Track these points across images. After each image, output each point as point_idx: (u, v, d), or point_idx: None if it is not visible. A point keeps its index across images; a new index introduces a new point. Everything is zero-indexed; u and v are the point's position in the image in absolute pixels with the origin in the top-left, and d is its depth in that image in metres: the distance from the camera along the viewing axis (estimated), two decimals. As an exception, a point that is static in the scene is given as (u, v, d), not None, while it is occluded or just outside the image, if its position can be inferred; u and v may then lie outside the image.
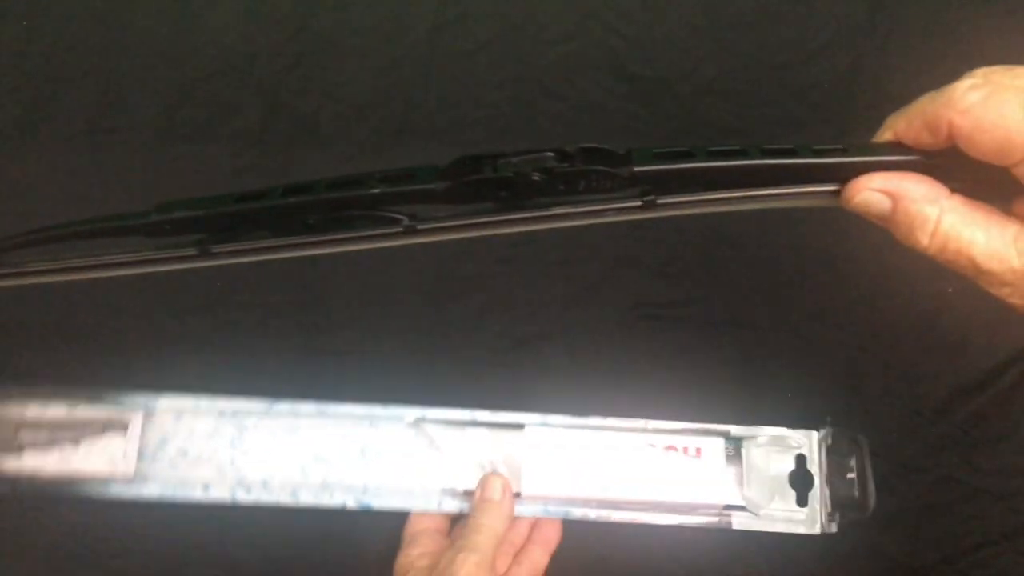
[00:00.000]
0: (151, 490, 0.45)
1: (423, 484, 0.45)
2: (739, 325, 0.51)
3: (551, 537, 0.44)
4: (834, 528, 0.43)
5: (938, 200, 0.30)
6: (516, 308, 0.51)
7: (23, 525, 0.48)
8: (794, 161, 0.31)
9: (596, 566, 0.48)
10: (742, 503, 0.44)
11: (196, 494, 0.45)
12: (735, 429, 0.45)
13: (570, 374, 0.50)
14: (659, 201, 0.31)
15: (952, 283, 0.51)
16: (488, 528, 0.41)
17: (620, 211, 0.32)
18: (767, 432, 0.44)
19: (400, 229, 0.32)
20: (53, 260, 0.34)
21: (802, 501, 0.44)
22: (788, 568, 0.48)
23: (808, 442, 0.44)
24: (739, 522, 0.44)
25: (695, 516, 0.44)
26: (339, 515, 0.45)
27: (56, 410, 0.45)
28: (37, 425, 0.45)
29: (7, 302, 0.49)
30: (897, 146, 0.31)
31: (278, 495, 0.45)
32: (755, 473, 0.44)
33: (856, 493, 0.43)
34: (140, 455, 0.45)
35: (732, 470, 0.45)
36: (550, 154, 0.31)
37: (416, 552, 0.42)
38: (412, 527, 0.43)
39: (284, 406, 0.45)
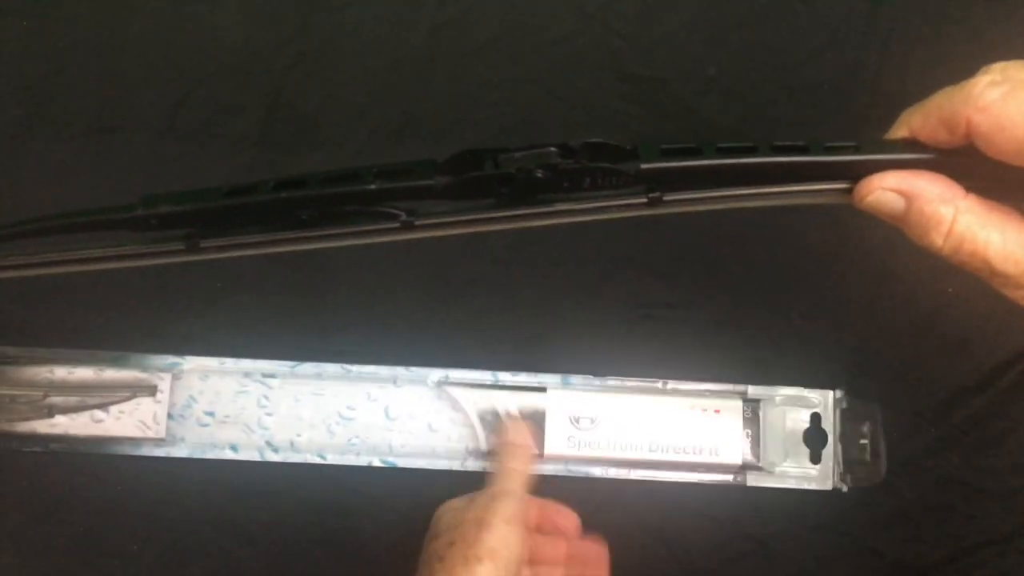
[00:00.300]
0: (181, 451, 0.47)
1: (447, 444, 0.47)
2: (739, 325, 0.51)
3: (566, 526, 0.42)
4: (845, 488, 0.45)
5: (953, 200, 0.30)
6: (516, 309, 0.51)
7: (53, 484, 0.49)
8: (805, 159, 0.30)
9: (614, 522, 0.48)
10: (758, 461, 0.46)
11: (225, 454, 0.47)
12: (752, 390, 0.47)
13: (570, 374, 0.50)
14: (665, 198, 0.31)
15: (952, 283, 0.51)
16: (518, 472, 0.40)
17: (625, 207, 0.31)
18: (784, 392, 0.47)
19: (397, 224, 0.31)
20: (33, 254, 0.33)
21: (815, 458, 0.47)
22: (802, 520, 0.49)
23: (824, 401, 0.47)
24: (754, 479, 0.46)
25: (712, 474, 0.46)
26: (365, 473, 0.46)
27: (83, 372, 0.47)
28: (65, 387, 0.47)
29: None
30: (912, 143, 0.30)
31: (305, 455, 0.47)
32: (771, 432, 0.47)
33: (868, 458, 0.45)
34: (168, 416, 0.47)
35: (749, 430, 0.47)
36: (554, 150, 0.30)
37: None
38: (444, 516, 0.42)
39: (308, 367, 0.48)
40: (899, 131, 0.31)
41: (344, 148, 0.52)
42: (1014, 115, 0.27)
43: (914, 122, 0.30)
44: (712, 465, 0.47)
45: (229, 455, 0.48)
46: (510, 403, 0.48)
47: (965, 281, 0.50)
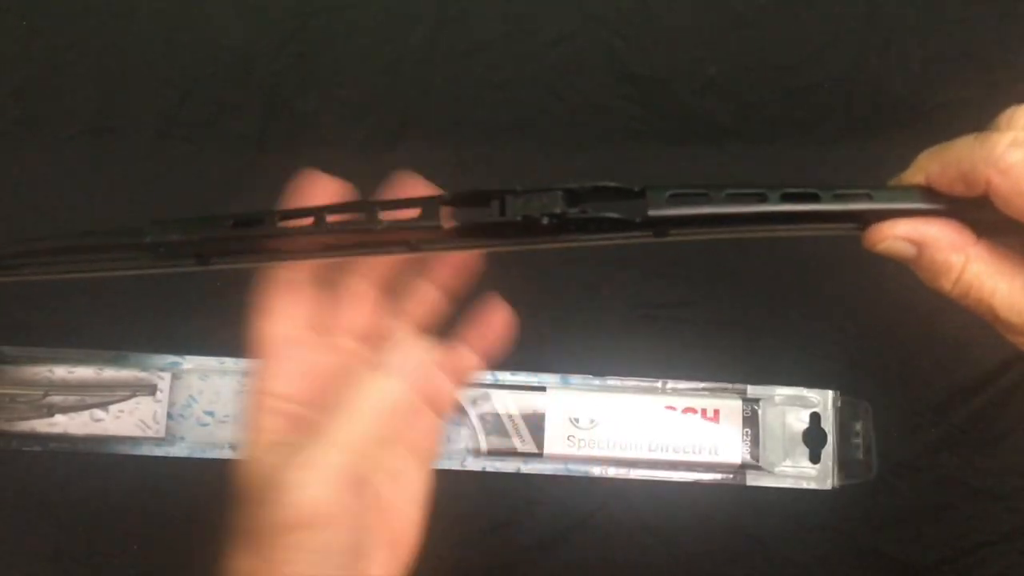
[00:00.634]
0: (180, 450, 0.47)
1: (447, 444, 0.47)
2: (739, 325, 0.51)
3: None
4: (838, 484, 0.47)
5: (964, 248, 0.30)
6: (516, 309, 0.51)
7: (52, 483, 0.49)
8: (816, 208, 0.31)
9: (614, 522, 0.49)
10: (758, 461, 0.47)
11: (225, 454, 0.47)
12: (752, 389, 0.47)
13: (570, 374, 0.50)
14: (671, 233, 0.31)
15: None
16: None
17: (629, 238, 0.32)
18: (783, 392, 0.47)
19: (404, 248, 0.32)
20: (46, 265, 0.34)
21: (815, 458, 0.47)
22: (802, 520, 0.49)
23: (823, 401, 0.47)
24: (754, 479, 0.47)
25: (711, 474, 0.47)
26: None
27: (83, 372, 0.47)
28: (65, 387, 0.47)
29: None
30: (926, 192, 0.30)
31: None
32: (770, 432, 0.47)
33: (861, 456, 0.46)
34: (168, 415, 0.47)
35: (748, 429, 0.47)
36: (560, 193, 0.30)
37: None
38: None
39: None
40: (916, 176, 0.31)
41: (344, 148, 0.52)
42: None
43: (931, 170, 0.30)
44: (712, 465, 0.47)
45: (229, 455, 0.48)
46: (511, 405, 0.48)
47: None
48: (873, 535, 0.49)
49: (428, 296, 0.36)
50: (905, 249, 0.31)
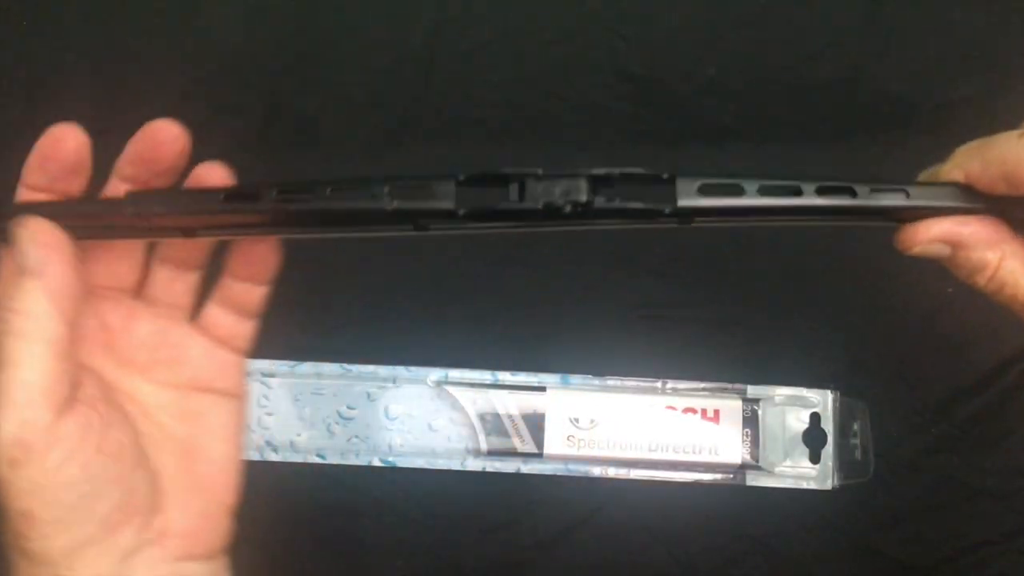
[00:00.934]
0: None
1: (447, 444, 0.47)
2: (739, 325, 0.51)
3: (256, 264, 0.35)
4: (837, 484, 0.47)
5: (1000, 244, 0.30)
6: (516, 309, 0.51)
7: None
8: (851, 203, 0.30)
9: (614, 522, 0.49)
10: (758, 461, 0.47)
11: None
12: (752, 389, 0.47)
13: (570, 374, 0.50)
14: (696, 221, 0.30)
15: (952, 283, 0.51)
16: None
17: (653, 224, 0.30)
18: (783, 391, 0.47)
19: (410, 228, 0.30)
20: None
21: (815, 458, 0.47)
22: (802, 520, 0.49)
23: (823, 401, 0.47)
24: (754, 479, 0.47)
25: (711, 474, 0.47)
26: (364, 473, 0.47)
27: None
28: None
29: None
30: (964, 190, 0.30)
31: (305, 454, 0.47)
32: (770, 432, 0.47)
33: (858, 456, 0.46)
34: None
35: (748, 429, 0.47)
36: (584, 180, 0.29)
37: None
38: None
39: (307, 367, 0.48)
40: (954, 172, 0.30)
41: (344, 148, 0.52)
42: None
43: (971, 167, 0.30)
44: (712, 465, 0.47)
45: None
46: (510, 405, 0.48)
47: (969, 284, 0.51)
48: (873, 535, 0.49)
49: (225, 317, 0.36)
50: (940, 250, 0.31)
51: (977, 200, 0.30)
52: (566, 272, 0.51)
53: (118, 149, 0.53)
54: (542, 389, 0.48)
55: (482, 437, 0.47)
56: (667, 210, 0.29)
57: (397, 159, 0.52)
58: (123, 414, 0.32)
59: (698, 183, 0.29)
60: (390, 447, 0.48)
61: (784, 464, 0.48)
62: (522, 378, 0.48)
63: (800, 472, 0.48)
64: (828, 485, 0.47)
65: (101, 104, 0.52)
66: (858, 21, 0.52)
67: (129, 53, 0.52)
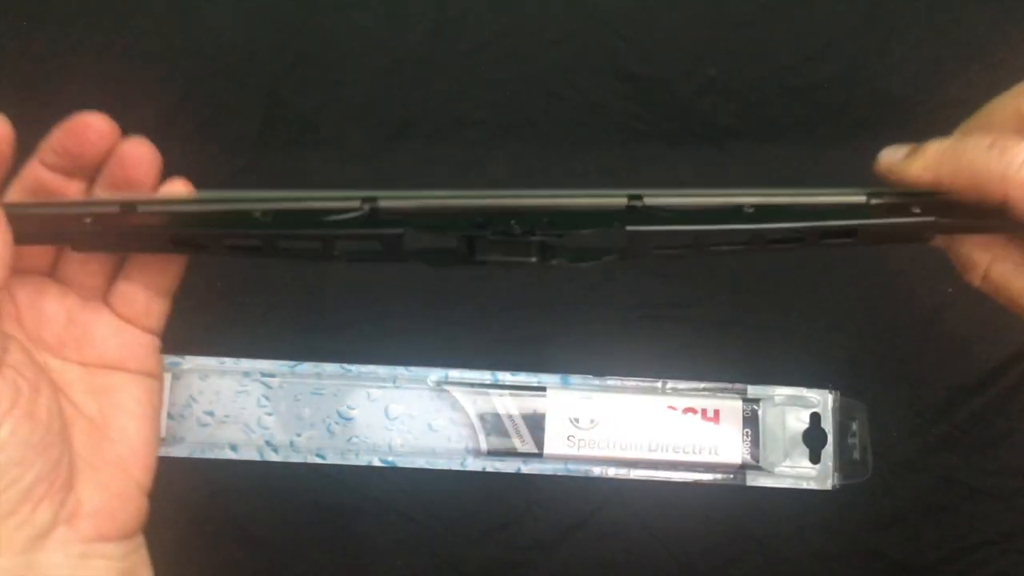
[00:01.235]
0: (180, 450, 0.47)
1: (447, 444, 0.47)
2: (739, 325, 0.51)
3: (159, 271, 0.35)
4: (837, 485, 0.47)
5: (991, 247, 0.30)
6: (517, 309, 0.51)
7: None
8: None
9: (614, 522, 0.49)
10: (758, 461, 0.47)
11: (225, 454, 0.47)
12: (752, 389, 0.47)
13: (570, 374, 0.50)
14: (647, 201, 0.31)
15: (952, 283, 0.51)
16: None
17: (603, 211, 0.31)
18: (784, 392, 0.47)
19: (360, 207, 0.32)
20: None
21: (815, 458, 0.47)
22: (802, 520, 0.49)
23: (823, 401, 0.47)
24: (753, 479, 0.47)
25: (711, 474, 0.47)
26: (364, 473, 0.48)
27: None
28: None
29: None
30: (931, 200, 0.30)
31: (305, 454, 0.47)
32: (770, 432, 0.47)
33: (857, 456, 0.46)
34: (168, 416, 0.48)
35: (748, 429, 0.47)
36: (535, 246, 0.30)
37: None
38: None
39: (308, 367, 0.48)
40: (925, 173, 0.30)
41: (344, 148, 0.52)
42: None
43: (942, 172, 0.30)
44: (712, 465, 0.47)
45: (229, 455, 0.48)
46: (511, 405, 0.48)
47: (965, 281, 0.51)
48: (873, 535, 0.49)
49: (135, 296, 0.35)
50: (939, 241, 0.31)
51: (944, 213, 0.30)
52: (566, 272, 0.51)
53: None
54: (542, 389, 0.48)
55: (482, 437, 0.47)
56: (614, 255, 0.31)
57: (397, 159, 0.52)
58: (51, 382, 0.32)
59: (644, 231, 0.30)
60: (390, 447, 0.48)
61: (784, 464, 0.48)
62: (522, 378, 0.48)
63: (800, 472, 0.48)
64: (828, 485, 0.47)
65: (101, 104, 0.52)
66: (858, 21, 0.52)
67: (129, 53, 0.52)
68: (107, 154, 0.33)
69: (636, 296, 0.51)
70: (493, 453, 0.47)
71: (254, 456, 0.48)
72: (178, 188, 0.34)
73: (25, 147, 0.52)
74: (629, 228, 0.30)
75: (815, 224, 0.30)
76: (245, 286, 0.51)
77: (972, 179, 0.29)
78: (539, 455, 0.47)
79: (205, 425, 0.48)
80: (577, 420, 0.48)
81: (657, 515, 0.49)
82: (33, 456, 0.30)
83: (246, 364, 0.48)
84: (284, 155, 0.52)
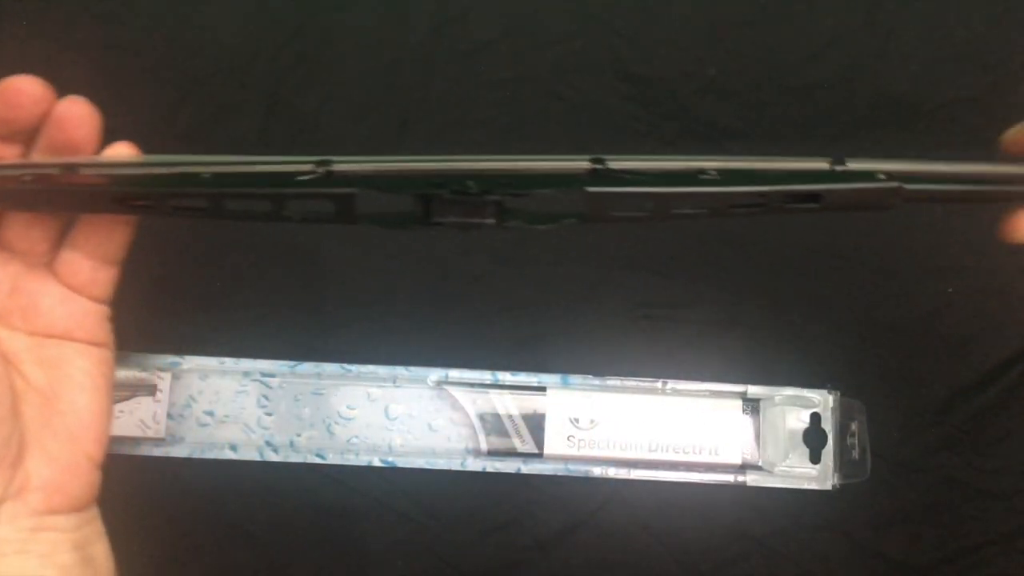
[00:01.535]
0: (180, 450, 0.47)
1: (447, 444, 0.47)
2: (739, 325, 0.51)
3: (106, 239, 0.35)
4: (837, 485, 0.47)
5: None
6: (517, 309, 0.51)
7: None
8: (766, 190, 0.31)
9: (614, 522, 0.49)
10: (758, 462, 0.47)
11: (225, 454, 0.47)
12: (752, 389, 0.47)
13: (570, 374, 0.50)
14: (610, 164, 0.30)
15: (952, 283, 0.51)
16: None
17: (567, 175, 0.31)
18: (784, 392, 0.47)
19: (314, 169, 0.31)
20: None
21: (815, 458, 0.47)
22: (802, 520, 0.49)
23: (823, 401, 0.47)
24: (754, 479, 0.47)
25: (711, 474, 0.47)
26: (364, 473, 0.48)
27: None
28: None
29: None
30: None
31: (305, 455, 0.47)
32: (771, 432, 0.47)
33: (856, 456, 0.46)
34: (168, 415, 0.48)
35: (748, 430, 0.47)
36: (493, 207, 0.30)
37: None
38: None
39: (308, 367, 0.48)
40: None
41: (344, 148, 0.52)
42: None
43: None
44: (712, 465, 0.47)
45: (229, 455, 0.48)
46: (511, 405, 0.48)
47: (965, 281, 0.51)
48: (873, 535, 0.49)
49: (81, 264, 0.35)
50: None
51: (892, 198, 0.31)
52: (566, 272, 0.51)
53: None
54: (542, 389, 0.48)
55: (482, 437, 0.47)
56: (575, 217, 0.30)
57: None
58: (1, 355, 0.31)
59: (604, 193, 0.30)
60: (390, 447, 0.48)
61: (784, 464, 0.48)
62: (522, 378, 0.48)
63: (800, 472, 0.48)
64: (828, 485, 0.47)
65: (101, 104, 0.52)
66: (858, 21, 0.52)
67: (129, 53, 0.52)
68: (43, 117, 0.32)
69: (636, 296, 0.51)
70: (493, 453, 0.47)
71: (254, 456, 0.48)
72: (123, 151, 0.34)
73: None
74: (589, 189, 0.30)
75: (778, 188, 0.30)
76: (245, 286, 0.51)
77: None
78: (539, 455, 0.47)
79: (205, 425, 0.48)
80: (577, 420, 0.48)
81: (657, 515, 0.49)
82: None
83: (246, 364, 0.48)
84: (284, 155, 0.51)
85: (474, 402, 0.48)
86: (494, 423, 0.48)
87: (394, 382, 0.48)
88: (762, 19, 0.53)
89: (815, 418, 0.48)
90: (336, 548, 0.49)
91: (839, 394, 0.48)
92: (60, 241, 0.34)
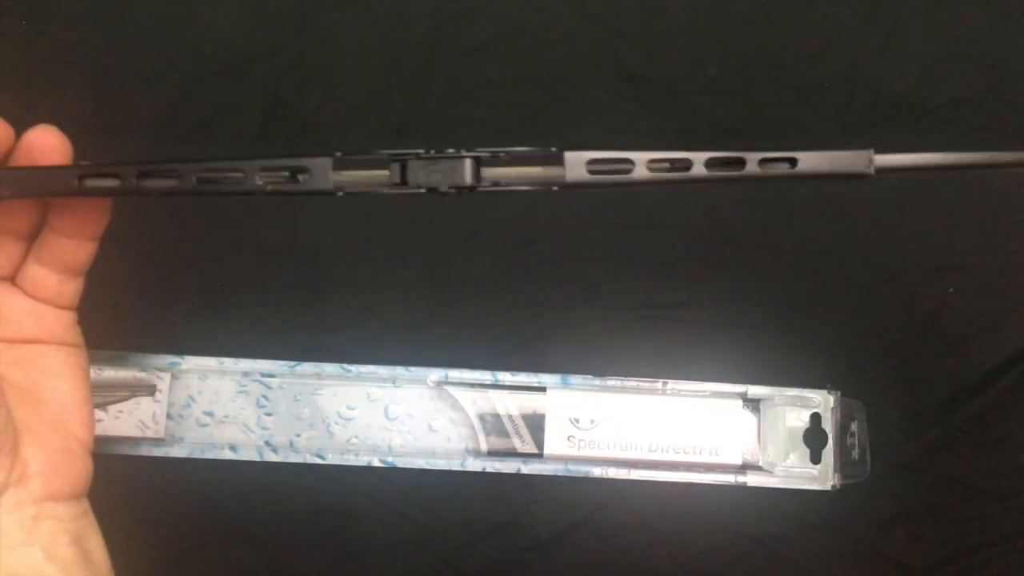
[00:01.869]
0: (180, 451, 0.47)
1: (447, 444, 0.47)
2: (739, 325, 0.51)
3: (87, 222, 0.34)
4: (837, 485, 0.47)
5: None
6: (517, 309, 0.51)
7: None
8: (741, 174, 0.31)
9: (614, 522, 0.49)
10: (758, 462, 0.47)
11: (224, 454, 0.47)
12: (752, 390, 0.47)
13: (570, 374, 0.50)
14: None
15: (952, 283, 0.51)
16: None
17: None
18: (784, 392, 0.47)
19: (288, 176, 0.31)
20: None
21: (816, 458, 0.47)
22: (802, 520, 0.49)
23: (823, 401, 0.47)
24: (754, 480, 0.47)
25: (712, 475, 0.47)
26: (364, 473, 0.48)
27: None
28: None
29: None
30: (858, 156, 0.31)
31: (304, 455, 0.47)
32: (771, 432, 0.47)
33: (856, 456, 0.46)
34: (167, 416, 0.48)
35: (749, 430, 0.47)
36: (469, 162, 0.29)
37: None
38: None
39: (307, 367, 0.48)
40: None
41: (344, 148, 0.52)
42: None
43: None
44: (712, 465, 0.47)
45: (228, 455, 0.48)
46: (511, 405, 0.48)
47: (965, 281, 0.51)
48: (873, 535, 0.49)
49: (47, 279, 0.35)
50: None
51: (867, 165, 0.30)
52: (566, 272, 0.51)
53: (118, 149, 0.54)
54: (542, 389, 0.48)
55: (482, 437, 0.47)
56: (555, 188, 0.30)
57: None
58: None
59: (587, 158, 0.30)
60: (390, 447, 0.48)
61: (784, 464, 0.48)
62: (522, 378, 0.48)
63: (800, 472, 0.48)
64: (828, 485, 0.47)
65: (101, 104, 0.53)
66: (858, 21, 0.52)
67: (129, 53, 0.52)
68: (6, 150, 0.32)
69: (636, 296, 0.51)
70: (493, 453, 0.47)
71: (254, 456, 0.48)
72: (46, 138, 0.34)
73: (25, 147, 0.52)
74: (567, 152, 0.30)
75: (758, 154, 0.30)
76: (245, 286, 0.51)
77: None
78: (539, 455, 0.47)
79: (204, 425, 0.48)
80: (577, 420, 0.48)
81: (657, 515, 0.49)
82: None
83: (246, 364, 0.48)
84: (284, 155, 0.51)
85: (474, 402, 0.48)
86: (494, 423, 0.48)
87: (394, 382, 0.48)
88: (762, 19, 0.53)
89: (815, 418, 0.48)
90: (336, 548, 0.49)
91: (839, 394, 0.48)
92: (24, 255, 0.35)
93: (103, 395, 0.47)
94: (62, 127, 0.52)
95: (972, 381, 0.50)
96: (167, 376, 0.48)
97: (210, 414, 0.48)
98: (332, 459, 0.47)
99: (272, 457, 0.48)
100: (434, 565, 0.49)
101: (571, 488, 0.49)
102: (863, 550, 0.49)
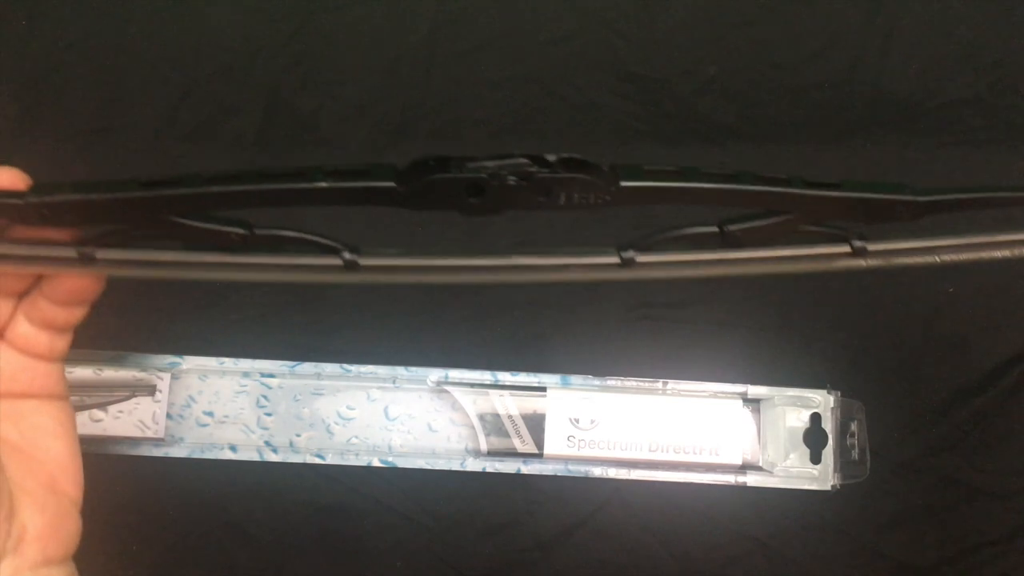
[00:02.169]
0: (180, 451, 0.47)
1: (447, 444, 0.47)
2: (739, 325, 0.51)
3: (81, 291, 0.33)
4: (837, 485, 0.48)
5: None
6: (517, 309, 0.51)
7: None
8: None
9: (614, 522, 0.49)
10: (758, 462, 0.47)
11: (224, 454, 0.47)
12: (752, 390, 0.47)
13: (570, 374, 0.50)
14: (638, 259, 0.30)
15: (952, 283, 0.51)
16: None
17: (594, 268, 0.30)
18: (784, 392, 0.47)
19: (339, 263, 0.28)
20: None
21: (816, 459, 0.47)
22: (802, 521, 0.49)
23: (823, 401, 0.47)
24: (754, 480, 0.47)
25: (712, 474, 0.47)
26: (364, 473, 0.48)
27: (82, 372, 0.47)
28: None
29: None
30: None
31: (304, 455, 0.47)
32: (771, 432, 0.47)
33: (856, 456, 0.46)
34: (167, 416, 0.48)
35: (749, 430, 0.47)
36: (524, 160, 0.27)
37: None
38: None
39: (308, 367, 0.48)
40: None
41: (344, 148, 0.52)
42: None
43: None
44: (712, 465, 0.47)
45: (228, 455, 0.48)
46: (511, 406, 0.48)
47: (965, 281, 0.51)
48: (873, 535, 0.49)
49: (38, 337, 0.34)
50: None
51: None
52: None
53: (118, 149, 0.54)
54: (542, 389, 0.48)
55: (482, 437, 0.47)
56: (611, 188, 0.28)
57: (397, 159, 0.52)
58: None
59: (642, 168, 0.29)
60: (390, 447, 0.48)
61: (784, 464, 0.48)
62: (522, 378, 0.48)
63: (800, 472, 0.48)
64: (828, 485, 0.47)
65: (101, 104, 0.53)
66: (858, 21, 0.52)
67: (129, 53, 0.52)
68: None
69: (636, 296, 0.51)
70: (493, 453, 0.47)
71: (253, 456, 0.48)
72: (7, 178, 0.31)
73: (25, 148, 0.52)
74: (623, 183, 0.28)
75: (803, 190, 0.30)
76: (245, 286, 0.51)
77: None
78: (539, 455, 0.47)
79: (204, 425, 0.48)
80: (577, 420, 0.48)
81: (657, 515, 0.49)
82: None
83: (246, 364, 0.48)
84: (284, 155, 0.52)
85: (474, 402, 0.48)
86: (494, 423, 0.48)
87: (394, 382, 0.48)
88: (762, 19, 0.53)
89: (815, 418, 0.48)
90: (336, 548, 0.49)
91: (839, 394, 0.48)
92: (14, 312, 0.34)
93: (103, 395, 0.47)
94: (62, 127, 0.53)
95: (972, 381, 0.50)
96: (167, 376, 0.48)
97: (210, 414, 0.48)
98: (332, 459, 0.47)
99: (272, 457, 0.48)
100: (434, 565, 0.49)
101: (571, 488, 0.49)
102: (863, 550, 0.49)
